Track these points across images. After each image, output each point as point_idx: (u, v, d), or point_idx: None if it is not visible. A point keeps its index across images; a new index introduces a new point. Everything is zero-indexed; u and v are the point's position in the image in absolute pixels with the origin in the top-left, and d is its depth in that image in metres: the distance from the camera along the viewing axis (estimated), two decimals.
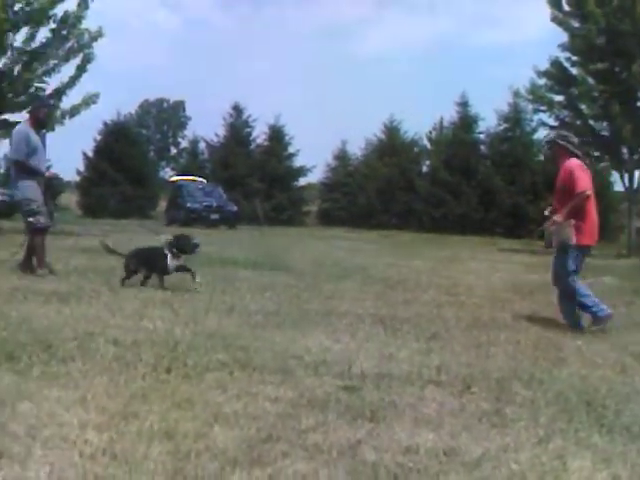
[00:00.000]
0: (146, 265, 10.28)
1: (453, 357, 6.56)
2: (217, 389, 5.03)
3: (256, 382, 5.29)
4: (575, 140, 9.35)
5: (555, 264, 9.07)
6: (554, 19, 25.57)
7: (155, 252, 10.37)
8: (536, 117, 32.07)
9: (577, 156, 9.13)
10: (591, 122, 26.49)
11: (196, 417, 4.39)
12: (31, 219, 11.02)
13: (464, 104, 42.05)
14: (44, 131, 11.71)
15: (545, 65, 26.50)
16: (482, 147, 41.96)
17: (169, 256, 10.13)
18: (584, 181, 8.78)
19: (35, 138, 11.06)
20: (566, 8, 25.71)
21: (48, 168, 11.73)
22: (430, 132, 44.53)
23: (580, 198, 8.75)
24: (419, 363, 6.21)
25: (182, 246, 10.32)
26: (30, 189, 11.02)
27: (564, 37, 25.80)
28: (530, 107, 31.10)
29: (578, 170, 8.86)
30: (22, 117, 21.50)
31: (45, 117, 11.92)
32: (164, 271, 10.16)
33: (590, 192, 8.83)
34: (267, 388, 5.15)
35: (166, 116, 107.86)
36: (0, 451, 3.71)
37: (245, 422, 4.34)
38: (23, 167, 11.01)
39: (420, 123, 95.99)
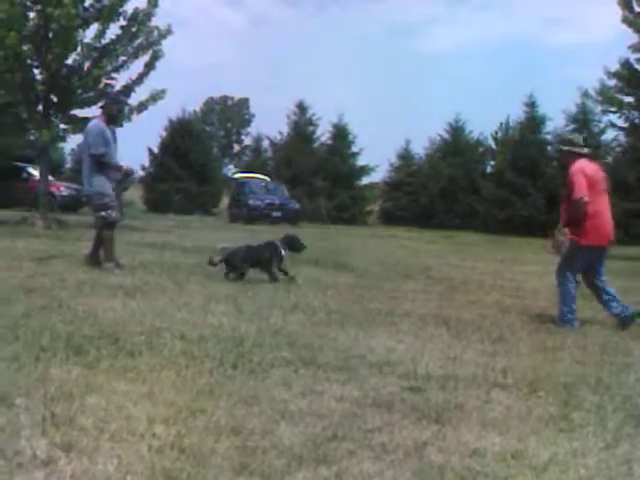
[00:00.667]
0: (258, 261, 10.95)
1: (519, 360, 6.48)
2: (282, 386, 5.05)
3: (321, 380, 5.30)
4: (580, 140, 9.40)
5: (560, 261, 9.10)
6: (625, 20, 25.12)
7: (269, 247, 11.05)
8: (604, 118, 31.63)
9: (585, 155, 9.15)
10: None
11: (262, 413, 4.41)
12: (103, 213, 11.20)
13: (531, 104, 41.52)
14: (113, 127, 11.79)
15: (615, 66, 26.07)
16: (549, 148, 41.44)
17: (282, 251, 10.93)
18: (580, 186, 8.72)
19: (109, 134, 11.25)
20: (637, 9, 25.24)
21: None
22: (496, 132, 44.18)
23: (576, 206, 8.75)
24: (484, 365, 6.15)
25: (293, 245, 11.32)
26: (103, 184, 11.21)
27: (635, 38, 25.34)
28: (599, 108, 30.66)
29: (577, 175, 8.80)
30: (90, 113, 21.93)
31: (117, 113, 12.05)
32: (279, 263, 10.90)
33: (587, 198, 8.70)
34: (332, 386, 5.15)
35: (230, 113, 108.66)
36: (69, 444, 3.76)
37: (311, 420, 4.35)
38: (101, 162, 11.18)
39: (486, 123, 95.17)
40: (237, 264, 10.73)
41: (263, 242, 11.36)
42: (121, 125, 21.07)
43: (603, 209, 8.98)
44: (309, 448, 3.90)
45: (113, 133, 11.45)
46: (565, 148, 9.38)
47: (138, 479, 3.43)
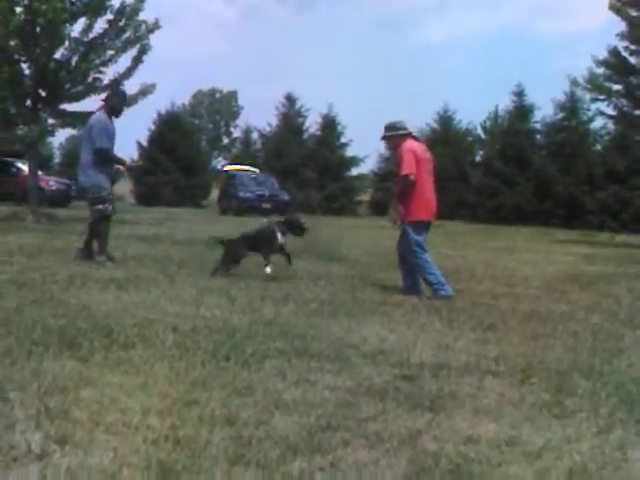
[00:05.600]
0: (254, 247, 10.52)
1: (511, 348, 6.49)
2: (276, 376, 5.04)
3: (314, 370, 5.29)
4: (402, 123, 9.82)
5: (403, 241, 9.78)
6: (612, 7, 25.10)
7: (264, 231, 10.62)
8: (593, 106, 31.69)
9: (411, 135, 9.80)
10: None
11: (256, 404, 4.40)
12: (100, 207, 11.18)
13: (520, 93, 41.64)
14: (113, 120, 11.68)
15: (604, 54, 26.06)
16: (537, 137, 41.49)
17: (279, 235, 10.35)
18: (409, 164, 9.34)
19: (112, 128, 11.28)
20: None
21: None
22: (485, 122, 44.34)
23: (403, 182, 9.41)
24: (477, 353, 6.16)
25: (294, 228, 10.64)
26: (102, 177, 11.21)
27: (623, 26, 25.34)
28: (587, 96, 30.73)
29: (406, 153, 9.44)
30: (79, 107, 21.89)
31: (120, 106, 11.87)
32: (272, 249, 10.37)
33: (413, 177, 9.35)
34: (325, 376, 5.15)
35: (219, 106, 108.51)
36: (64, 437, 3.74)
37: (305, 410, 4.35)
38: (106, 156, 11.17)
39: (475, 113, 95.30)
40: (238, 253, 10.50)
41: (260, 226, 11.09)
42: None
43: (429, 187, 9.63)
44: (304, 438, 3.90)
45: (113, 127, 11.46)
46: (389, 133, 9.84)
47: (133, 471, 3.41)
